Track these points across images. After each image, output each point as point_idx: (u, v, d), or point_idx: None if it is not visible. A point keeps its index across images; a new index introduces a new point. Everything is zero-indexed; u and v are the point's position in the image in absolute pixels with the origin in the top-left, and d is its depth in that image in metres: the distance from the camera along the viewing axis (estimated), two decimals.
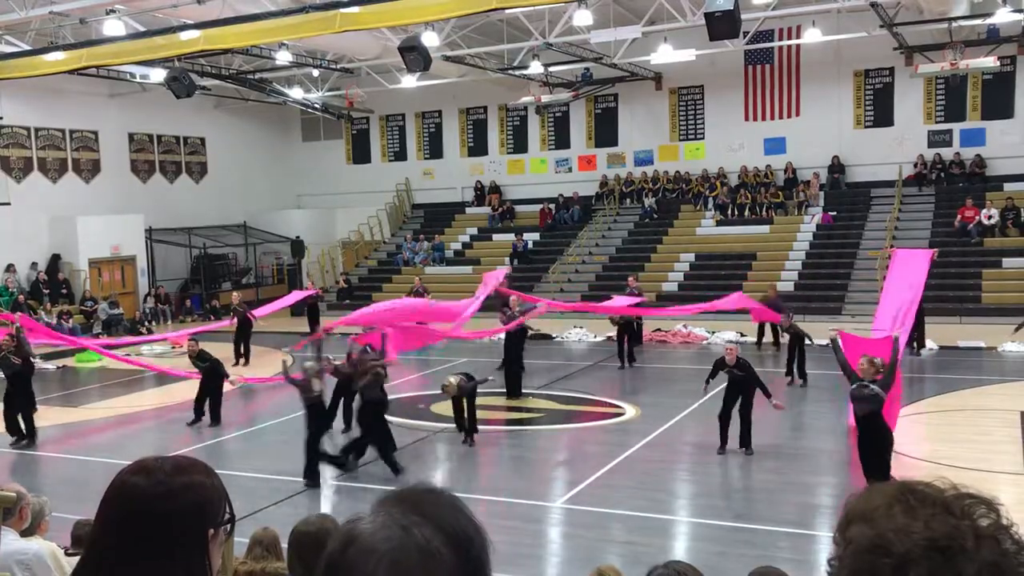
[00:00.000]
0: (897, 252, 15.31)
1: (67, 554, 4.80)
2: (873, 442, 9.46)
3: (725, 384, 11.92)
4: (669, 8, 20.60)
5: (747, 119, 28.82)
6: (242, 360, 20.09)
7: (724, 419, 11.75)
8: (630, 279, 21.50)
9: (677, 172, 29.66)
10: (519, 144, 32.27)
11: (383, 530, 1.13)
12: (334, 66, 26.75)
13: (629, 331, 18.60)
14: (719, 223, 27.86)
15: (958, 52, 21.90)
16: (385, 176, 33.77)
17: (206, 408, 14.56)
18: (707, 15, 15.22)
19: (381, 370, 11.76)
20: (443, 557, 1.12)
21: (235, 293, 23.56)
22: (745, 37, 23.12)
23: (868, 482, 8.47)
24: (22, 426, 13.56)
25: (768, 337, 19.52)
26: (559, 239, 29.50)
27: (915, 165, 26.88)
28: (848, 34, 23.27)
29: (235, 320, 20.67)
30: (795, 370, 16.05)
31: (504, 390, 15.55)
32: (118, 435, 14.53)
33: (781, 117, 28.42)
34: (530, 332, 17.97)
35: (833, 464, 11.46)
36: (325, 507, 10.35)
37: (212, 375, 14.61)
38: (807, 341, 16.07)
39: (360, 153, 34.79)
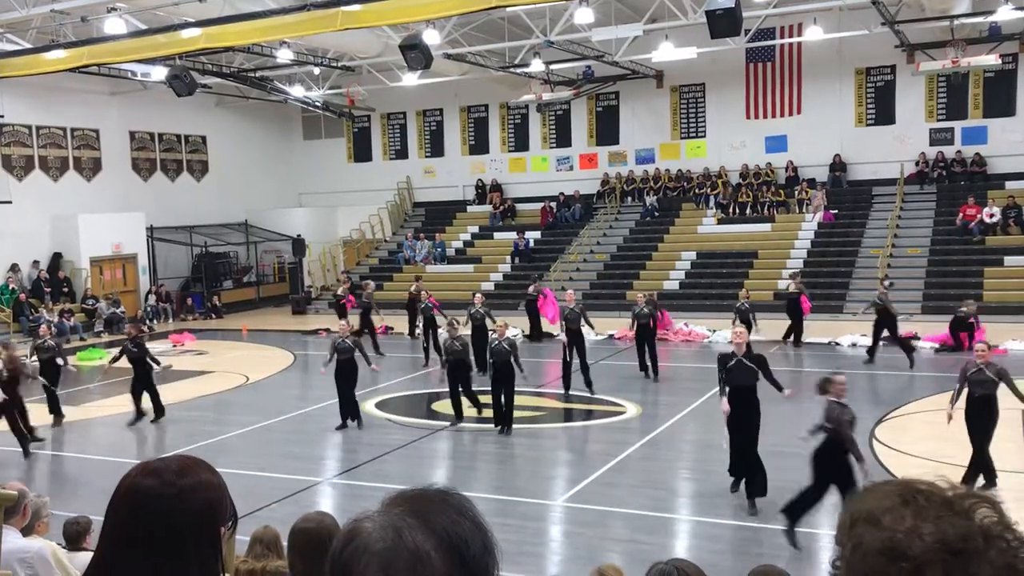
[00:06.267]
0: None
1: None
2: (986, 419, 10.35)
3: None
4: (670, 6, 20.60)
5: (748, 117, 28.80)
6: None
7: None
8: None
9: (679, 170, 29.66)
10: (520, 142, 32.26)
11: (379, 530, 1.15)
12: (335, 64, 26.75)
13: (647, 333, 16.98)
14: (720, 221, 27.84)
15: (960, 50, 21.91)
16: (386, 174, 33.78)
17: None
18: (708, 13, 15.23)
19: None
20: (432, 562, 1.13)
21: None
22: (746, 35, 23.12)
23: (976, 454, 9.67)
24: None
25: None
26: (560, 237, 29.49)
27: (917, 163, 26.86)
28: (849, 32, 23.24)
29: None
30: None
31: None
32: (117, 434, 14.52)
33: (782, 115, 28.40)
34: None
35: None
36: (326, 505, 10.36)
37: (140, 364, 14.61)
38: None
39: (361, 151, 34.78)
